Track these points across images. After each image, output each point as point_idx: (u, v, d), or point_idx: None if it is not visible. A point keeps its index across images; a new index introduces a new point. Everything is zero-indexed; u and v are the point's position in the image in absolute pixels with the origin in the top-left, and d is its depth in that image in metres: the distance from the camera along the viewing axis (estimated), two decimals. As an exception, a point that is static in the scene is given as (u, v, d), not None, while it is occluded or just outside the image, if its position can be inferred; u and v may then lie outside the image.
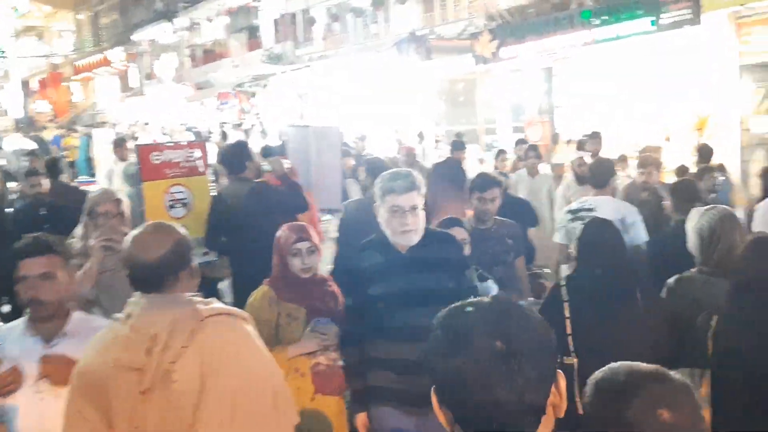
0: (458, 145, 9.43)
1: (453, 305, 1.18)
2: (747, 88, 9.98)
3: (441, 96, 16.57)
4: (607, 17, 10.98)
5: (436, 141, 14.16)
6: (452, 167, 8.98)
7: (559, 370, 1.13)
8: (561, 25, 11.67)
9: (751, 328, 2.69)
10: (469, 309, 1.13)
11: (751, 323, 2.71)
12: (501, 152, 9.00)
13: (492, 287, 3.73)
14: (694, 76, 10.71)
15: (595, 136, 8.43)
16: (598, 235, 3.38)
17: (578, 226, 4.75)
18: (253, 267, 4.83)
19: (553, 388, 1.11)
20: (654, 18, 10.34)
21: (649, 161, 6.06)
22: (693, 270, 3.37)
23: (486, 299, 1.17)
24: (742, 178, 9.82)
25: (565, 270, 5.06)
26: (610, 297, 3.20)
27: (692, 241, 3.37)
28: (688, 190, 4.72)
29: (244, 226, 4.98)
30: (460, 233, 3.68)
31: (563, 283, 3.42)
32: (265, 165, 6.10)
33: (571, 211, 5.14)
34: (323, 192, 5.83)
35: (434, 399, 1.13)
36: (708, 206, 3.56)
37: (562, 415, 1.12)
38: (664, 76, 11.16)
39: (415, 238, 3.02)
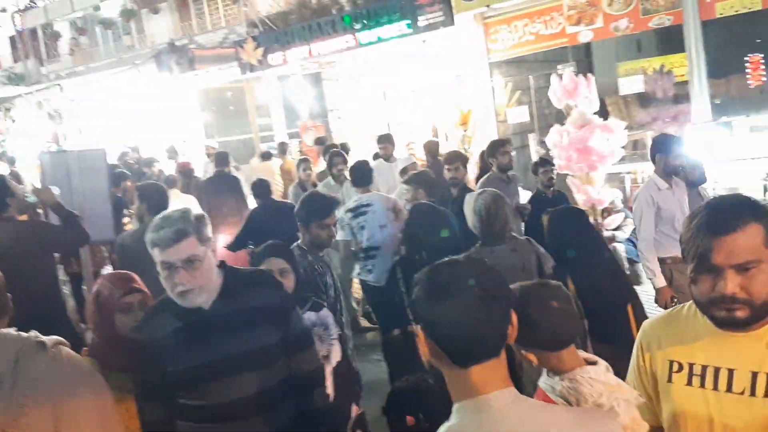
0: (223, 158, 8.97)
1: (435, 264, 1.48)
2: (498, 83, 10.84)
3: (210, 107, 16.02)
4: (366, 21, 11.31)
5: (208, 154, 13.56)
6: (227, 181, 8.68)
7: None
8: (324, 30, 11.81)
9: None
10: (449, 265, 1.47)
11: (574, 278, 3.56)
12: (304, 161, 8.16)
13: (327, 315, 3.30)
14: (456, 74, 11.43)
15: (386, 139, 8.53)
16: (422, 221, 4.10)
17: (360, 221, 5.58)
18: (29, 324, 4.17)
19: None
20: (410, 21, 10.84)
21: (455, 157, 6.20)
22: (477, 245, 3.89)
23: (459, 258, 1.49)
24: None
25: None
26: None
27: (472, 221, 3.91)
28: (426, 178, 5.53)
29: (11, 274, 4.24)
30: (277, 264, 3.19)
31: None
32: (30, 197, 5.30)
33: (350, 210, 5.74)
34: (91, 223, 5.22)
35: (421, 335, 1.47)
36: (479, 191, 4.15)
37: (512, 341, 1.51)
38: (430, 76, 11.78)
39: (201, 298, 2.38)
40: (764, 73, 12.83)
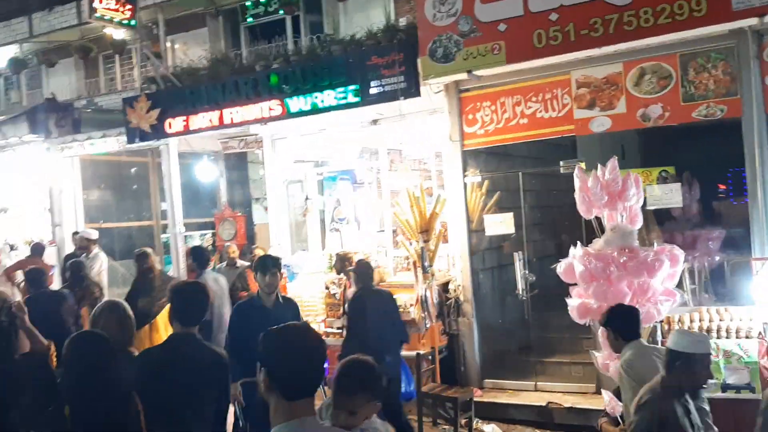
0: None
1: (278, 327, 2.21)
2: (472, 179, 7.84)
3: (97, 184, 12.59)
4: (300, 83, 8.35)
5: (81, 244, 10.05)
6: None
7: None
8: (242, 91, 8.79)
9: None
10: (287, 330, 2.21)
11: None
12: None
13: None
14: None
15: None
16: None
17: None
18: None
19: None
20: (358, 86, 7.94)
21: None
22: None
23: (290, 325, 2.30)
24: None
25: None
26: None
27: None
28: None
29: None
30: None
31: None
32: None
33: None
34: None
35: (264, 377, 2.10)
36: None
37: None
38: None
39: None
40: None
